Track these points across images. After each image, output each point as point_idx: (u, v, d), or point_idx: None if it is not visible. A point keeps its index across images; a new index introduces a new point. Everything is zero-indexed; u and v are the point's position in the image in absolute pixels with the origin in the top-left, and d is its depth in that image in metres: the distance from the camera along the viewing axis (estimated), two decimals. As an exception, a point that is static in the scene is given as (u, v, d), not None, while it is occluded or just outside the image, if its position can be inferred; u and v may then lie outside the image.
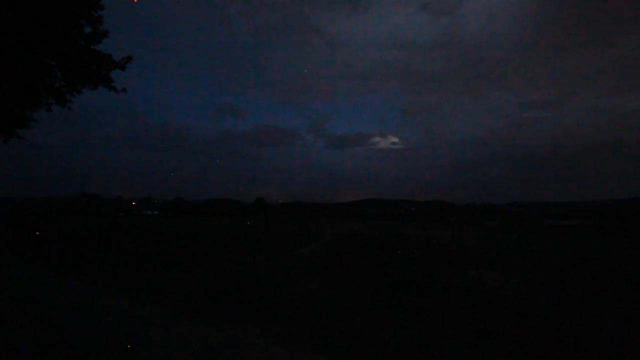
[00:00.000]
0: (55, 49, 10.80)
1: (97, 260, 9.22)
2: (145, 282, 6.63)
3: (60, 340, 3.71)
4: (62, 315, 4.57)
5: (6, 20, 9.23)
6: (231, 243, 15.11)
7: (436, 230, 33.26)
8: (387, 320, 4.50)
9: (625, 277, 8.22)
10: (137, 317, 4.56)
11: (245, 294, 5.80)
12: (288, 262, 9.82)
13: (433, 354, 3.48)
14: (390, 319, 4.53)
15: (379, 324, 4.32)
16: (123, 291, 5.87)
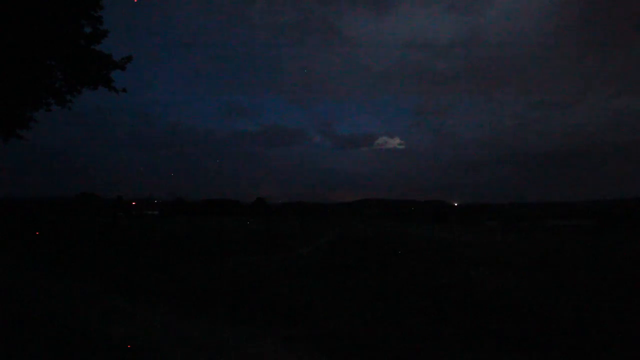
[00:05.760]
0: (55, 49, 10.78)
1: (97, 260, 9.23)
2: (145, 282, 6.63)
3: (59, 340, 3.71)
4: (62, 315, 4.57)
5: (6, 20, 9.21)
6: (231, 243, 15.11)
7: (436, 230, 33.24)
8: (387, 320, 4.51)
9: (625, 276, 8.21)
10: (137, 317, 4.56)
11: (246, 294, 5.80)
12: (288, 262, 9.81)
13: (433, 354, 3.48)
14: (391, 319, 4.54)
15: (379, 324, 4.32)
16: (123, 291, 5.88)
